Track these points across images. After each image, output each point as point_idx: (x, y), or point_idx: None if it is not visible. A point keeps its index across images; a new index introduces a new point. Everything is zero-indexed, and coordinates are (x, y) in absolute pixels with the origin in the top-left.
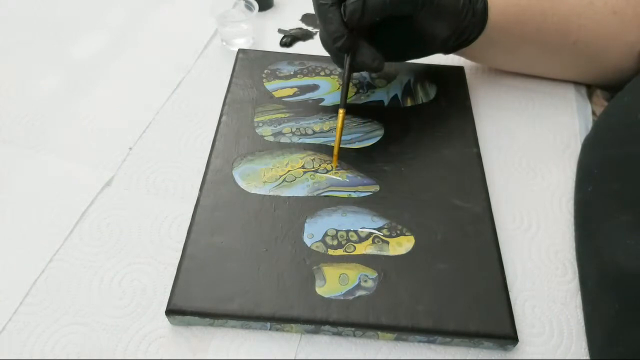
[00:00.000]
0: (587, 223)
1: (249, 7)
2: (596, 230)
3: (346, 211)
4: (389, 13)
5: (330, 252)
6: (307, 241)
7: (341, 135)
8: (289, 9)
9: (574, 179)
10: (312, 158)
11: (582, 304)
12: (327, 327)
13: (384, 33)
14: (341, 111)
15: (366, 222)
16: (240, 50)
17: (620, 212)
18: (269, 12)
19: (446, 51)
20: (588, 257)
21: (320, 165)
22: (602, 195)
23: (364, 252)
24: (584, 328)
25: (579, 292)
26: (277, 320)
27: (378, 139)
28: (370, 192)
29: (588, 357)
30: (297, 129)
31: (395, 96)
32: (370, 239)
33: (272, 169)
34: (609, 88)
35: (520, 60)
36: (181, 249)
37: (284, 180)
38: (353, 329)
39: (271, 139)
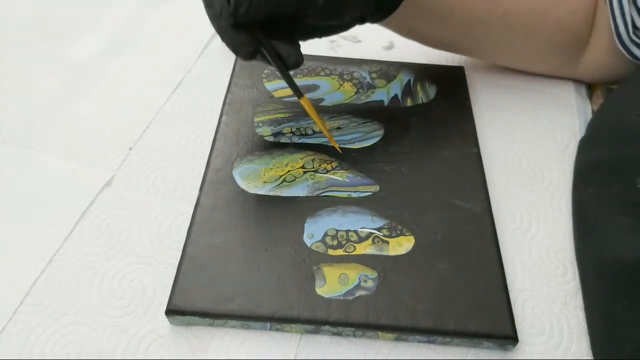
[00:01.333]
0: (586, 223)
1: None
2: (595, 230)
3: (346, 211)
4: (269, 14)
5: (330, 252)
6: (307, 241)
7: (320, 119)
8: None
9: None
10: (312, 158)
11: (583, 302)
12: (327, 327)
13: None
14: (303, 99)
15: (366, 222)
16: None
17: (619, 213)
18: None
19: (372, 22)
20: (588, 255)
21: (320, 165)
22: (601, 197)
23: (364, 252)
24: (584, 328)
25: (579, 292)
26: (277, 320)
27: (378, 139)
28: (370, 192)
29: (588, 357)
30: (297, 129)
31: (395, 96)
32: (370, 239)
33: (272, 169)
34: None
35: (449, 33)
36: (181, 249)
37: (284, 180)
38: (353, 329)
39: (271, 139)
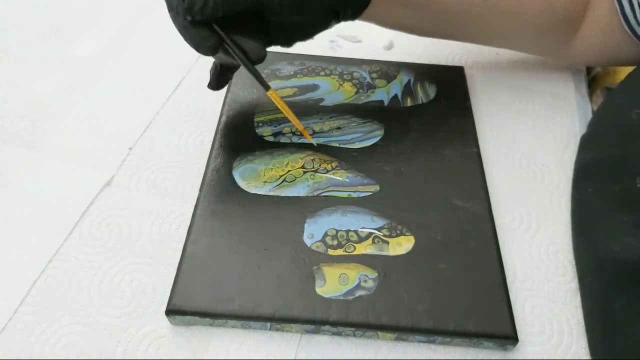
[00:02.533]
0: (585, 222)
1: None
2: (594, 229)
3: (346, 211)
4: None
5: (330, 252)
6: (307, 241)
7: (290, 111)
8: None
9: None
10: (312, 158)
11: (581, 301)
12: (327, 327)
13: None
14: (270, 92)
15: (366, 222)
16: None
17: (618, 212)
18: None
19: (349, 18)
20: (586, 254)
21: (320, 165)
22: (601, 195)
23: (364, 252)
24: (584, 328)
25: (580, 292)
26: (277, 320)
27: (378, 139)
28: (370, 192)
29: (588, 357)
30: (297, 128)
31: (395, 96)
32: (370, 239)
33: (272, 169)
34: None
35: (432, 22)
36: (181, 249)
37: (284, 180)
38: (353, 329)
39: (271, 139)
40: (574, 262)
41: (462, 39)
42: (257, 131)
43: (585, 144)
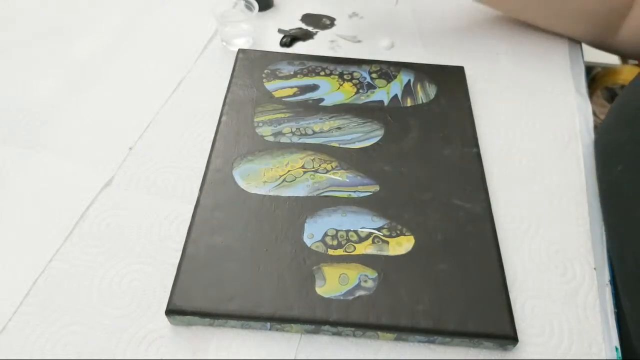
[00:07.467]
0: (620, 204)
1: (249, 7)
2: (634, 210)
3: (346, 211)
4: None
5: (330, 252)
6: (307, 241)
7: None
8: (289, 9)
9: (579, 177)
10: (312, 158)
11: (616, 298)
12: (327, 327)
13: None
14: None
15: (366, 222)
16: (240, 50)
17: None
18: (269, 12)
19: None
20: (626, 243)
21: (320, 165)
22: (634, 172)
23: (364, 252)
24: (584, 328)
25: (579, 292)
26: (277, 320)
27: (378, 139)
28: (370, 192)
29: (588, 357)
30: (297, 129)
31: (395, 96)
32: (370, 239)
33: (272, 169)
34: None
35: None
36: (181, 249)
37: (284, 180)
38: (353, 329)
39: (271, 139)
40: (573, 262)
41: (516, 14)
42: (257, 131)
43: (610, 128)
